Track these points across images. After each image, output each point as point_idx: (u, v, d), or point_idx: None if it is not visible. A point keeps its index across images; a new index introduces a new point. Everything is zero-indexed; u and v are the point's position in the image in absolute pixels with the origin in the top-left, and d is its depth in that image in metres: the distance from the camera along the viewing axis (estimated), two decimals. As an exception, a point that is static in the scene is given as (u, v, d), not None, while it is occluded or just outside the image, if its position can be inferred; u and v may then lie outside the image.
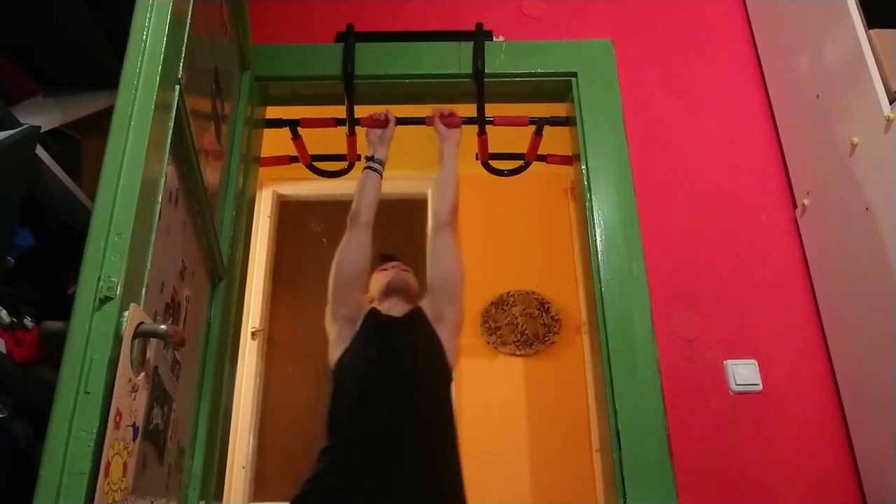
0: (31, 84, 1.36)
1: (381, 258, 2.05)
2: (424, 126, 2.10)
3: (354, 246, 1.86)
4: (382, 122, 2.03)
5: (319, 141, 2.24)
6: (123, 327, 0.87)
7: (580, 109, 1.97)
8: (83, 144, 1.40)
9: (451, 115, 2.05)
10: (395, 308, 1.87)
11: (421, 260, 2.38)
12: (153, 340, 0.98)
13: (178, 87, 1.13)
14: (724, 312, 1.76)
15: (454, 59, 2.03)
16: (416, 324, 1.82)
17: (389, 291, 1.91)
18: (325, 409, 1.72)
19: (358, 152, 2.22)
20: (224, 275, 1.60)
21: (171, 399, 1.19)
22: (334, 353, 1.79)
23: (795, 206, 1.87)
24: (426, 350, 1.78)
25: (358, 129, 2.13)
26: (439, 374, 1.77)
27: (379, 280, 1.96)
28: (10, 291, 1.18)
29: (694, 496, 1.57)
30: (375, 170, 1.97)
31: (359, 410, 1.65)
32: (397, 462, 1.57)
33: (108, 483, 0.83)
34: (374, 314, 1.83)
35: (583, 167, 1.90)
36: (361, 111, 2.10)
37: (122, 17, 1.08)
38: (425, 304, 1.88)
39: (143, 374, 0.95)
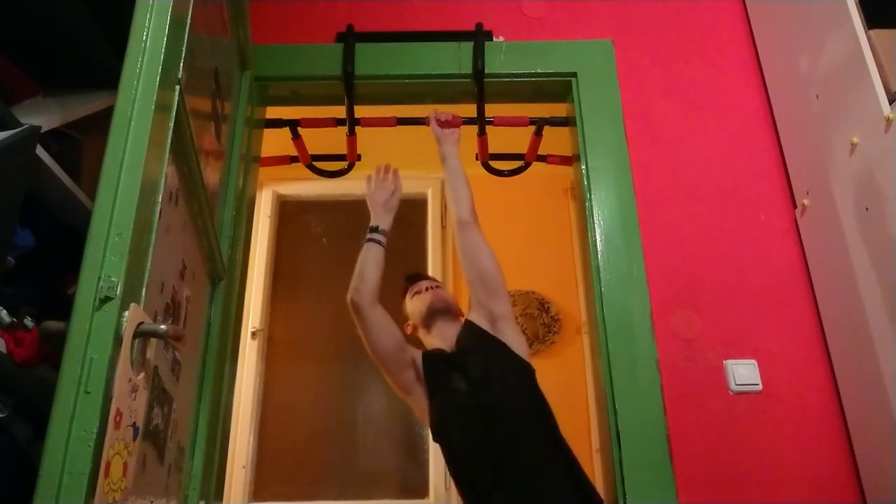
0: (31, 84, 1.36)
1: (407, 280, 1.99)
2: (425, 126, 2.10)
3: (375, 328, 1.73)
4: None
5: (319, 141, 2.24)
6: (123, 327, 0.87)
7: (580, 109, 1.97)
8: (83, 144, 1.40)
9: (452, 118, 2.04)
10: (443, 331, 1.80)
11: (424, 259, 2.38)
12: (153, 340, 0.98)
13: (178, 87, 1.13)
14: (724, 312, 1.76)
15: (454, 59, 2.03)
16: (475, 341, 1.75)
17: (433, 314, 1.84)
18: (452, 477, 1.66)
19: (358, 152, 2.23)
20: (224, 275, 1.60)
21: (171, 399, 1.19)
22: (423, 417, 1.72)
23: (795, 206, 1.87)
24: (499, 361, 1.70)
25: (358, 129, 2.13)
26: (522, 375, 1.69)
27: (416, 305, 1.88)
28: (10, 291, 1.18)
29: (694, 496, 1.57)
30: (379, 242, 1.83)
31: (477, 459, 1.58)
32: (530, 484, 1.52)
33: (108, 483, 0.83)
34: (430, 360, 1.75)
35: (583, 167, 1.90)
36: (361, 111, 2.10)
37: (122, 17, 1.08)
38: (473, 314, 1.81)
39: (143, 374, 0.95)
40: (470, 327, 1.79)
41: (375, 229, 1.85)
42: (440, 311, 1.85)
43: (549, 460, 1.56)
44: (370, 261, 1.78)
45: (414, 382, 1.73)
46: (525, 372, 1.71)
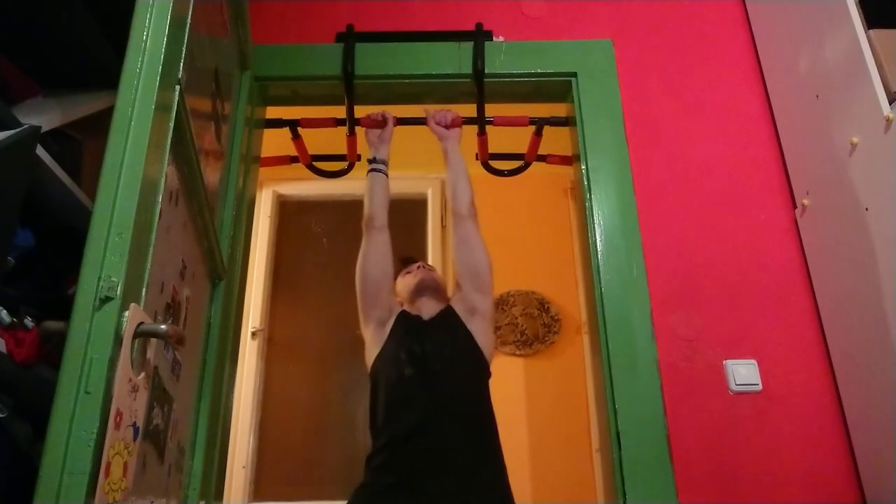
0: (31, 84, 1.36)
1: (402, 262, 2.03)
2: (424, 126, 2.10)
3: (374, 249, 1.84)
4: (381, 123, 2.02)
5: (319, 141, 2.24)
6: (123, 327, 0.87)
7: (580, 109, 1.97)
8: (83, 144, 1.40)
9: (454, 119, 2.03)
10: (426, 307, 1.85)
11: (423, 259, 2.38)
12: (153, 340, 0.98)
13: (178, 87, 1.13)
14: (723, 312, 1.76)
15: (454, 59, 2.03)
16: (448, 321, 1.80)
17: (420, 291, 1.89)
18: (367, 415, 1.71)
19: (358, 152, 2.22)
20: (224, 275, 1.60)
21: (171, 399, 1.19)
22: (370, 356, 1.79)
23: (795, 206, 1.87)
24: (459, 347, 1.75)
25: (358, 129, 2.13)
26: (475, 369, 1.74)
27: (407, 282, 1.94)
28: (10, 291, 1.17)
29: (694, 496, 1.57)
30: (380, 170, 1.95)
31: (397, 414, 1.63)
32: (441, 461, 1.55)
33: (109, 483, 0.83)
34: (404, 316, 1.82)
35: (583, 167, 1.90)
36: (361, 111, 2.10)
37: (122, 17, 1.08)
38: (455, 301, 1.86)
39: (143, 374, 0.95)
40: (449, 311, 1.84)
41: (373, 160, 1.98)
42: (428, 288, 1.90)
43: (469, 452, 1.59)
44: (376, 187, 1.92)
45: (376, 321, 1.80)
46: (478, 368, 1.75)
